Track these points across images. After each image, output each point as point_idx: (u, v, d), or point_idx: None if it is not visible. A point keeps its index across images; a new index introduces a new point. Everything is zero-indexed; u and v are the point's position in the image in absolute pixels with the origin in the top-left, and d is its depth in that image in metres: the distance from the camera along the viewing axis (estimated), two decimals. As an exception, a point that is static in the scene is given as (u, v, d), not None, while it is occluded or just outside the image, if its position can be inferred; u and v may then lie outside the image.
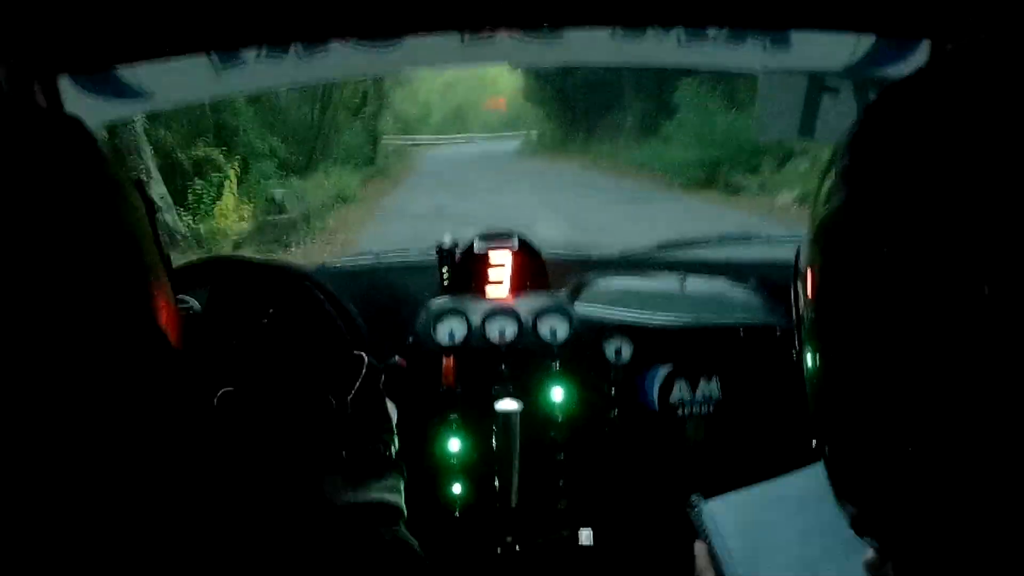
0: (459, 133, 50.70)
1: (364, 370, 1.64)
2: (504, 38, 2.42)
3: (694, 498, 1.55)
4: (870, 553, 0.98)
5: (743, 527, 1.49)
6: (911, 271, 0.66)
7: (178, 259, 1.51)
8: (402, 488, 1.55)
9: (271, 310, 2.01)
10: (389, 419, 1.68)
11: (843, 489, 0.82)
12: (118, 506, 0.85)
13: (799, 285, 0.85)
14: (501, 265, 2.32)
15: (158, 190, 13.16)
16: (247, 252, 12.99)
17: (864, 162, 0.74)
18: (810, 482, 1.49)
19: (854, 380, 0.75)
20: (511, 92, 48.16)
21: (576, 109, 32.67)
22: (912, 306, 0.66)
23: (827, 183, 0.78)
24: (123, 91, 2.12)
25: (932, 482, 0.69)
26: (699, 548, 1.49)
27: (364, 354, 1.68)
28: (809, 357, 0.84)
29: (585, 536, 2.00)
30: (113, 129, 12.05)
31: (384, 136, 33.09)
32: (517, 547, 2.01)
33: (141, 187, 1.02)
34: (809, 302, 0.81)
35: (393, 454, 1.62)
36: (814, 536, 1.42)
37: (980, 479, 0.66)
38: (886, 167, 0.71)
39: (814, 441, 0.88)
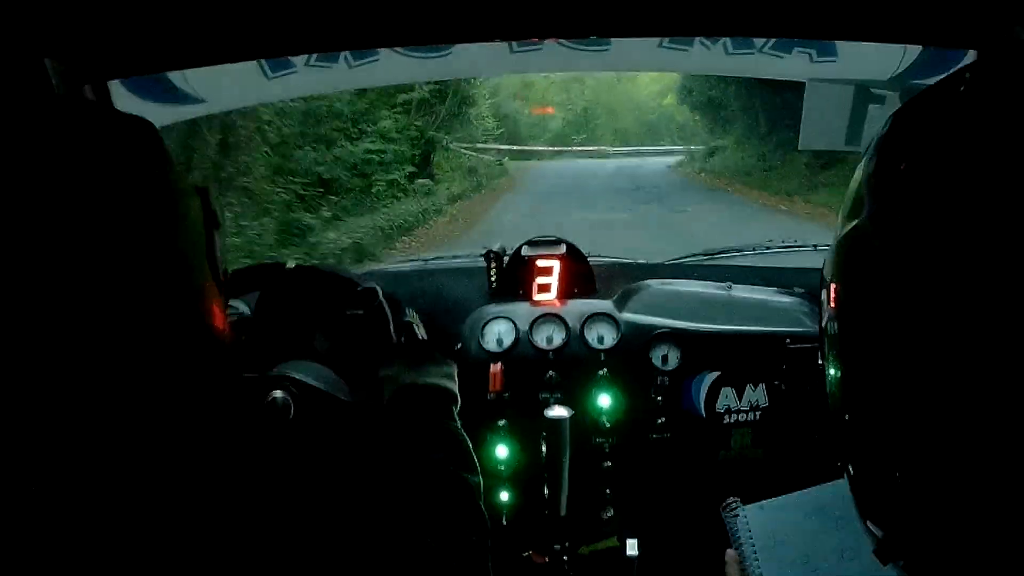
0: (584, 144, 39.55)
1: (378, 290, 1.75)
2: (553, 46, 2.44)
3: (732, 501, 1.53)
4: None
5: (779, 539, 1.47)
6: (939, 285, 0.65)
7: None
8: (456, 375, 1.62)
9: (320, 318, 2.04)
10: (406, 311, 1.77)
11: (869, 510, 0.81)
12: (166, 495, 0.89)
13: (823, 296, 0.84)
14: (549, 271, 2.34)
15: None
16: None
17: (888, 170, 0.73)
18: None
19: (880, 398, 0.73)
20: (654, 91, 39.77)
21: (776, 119, 20.16)
22: (941, 321, 0.65)
23: (851, 193, 0.78)
24: (174, 95, 2.16)
25: (964, 507, 0.68)
26: (730, 556, 1.48)
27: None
28: (832, 371, 0.82)
29: (631, 546, 2.00)
30: None
31: (475, 143, 25.19)
32: (565, 557, 2.01)
33: (205, 195, 1.04)
34: (832, 314, 0.80)
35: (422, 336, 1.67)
36: (852, 555, 1.40)
37: (1015, 506, 0.65)
38: (912, 176, 0.70)
39: (839, 460, 0.87)
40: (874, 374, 0.73)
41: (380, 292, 1.74)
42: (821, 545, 1.44)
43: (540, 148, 37.00)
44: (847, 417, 0.80)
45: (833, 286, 0.80)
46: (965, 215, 0.64)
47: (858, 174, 0.78)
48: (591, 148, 38.25)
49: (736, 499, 1.54)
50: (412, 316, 1.72)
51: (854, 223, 0.76)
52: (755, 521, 1.50)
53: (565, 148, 37.95)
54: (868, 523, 0.81)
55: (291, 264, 1.84)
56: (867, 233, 0.73)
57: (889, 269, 0.70)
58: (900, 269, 0.68)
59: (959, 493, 0.68)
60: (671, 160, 30.95)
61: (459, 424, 1.56)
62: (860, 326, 0.74)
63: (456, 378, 1.65)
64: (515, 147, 32.57)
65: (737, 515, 1.51)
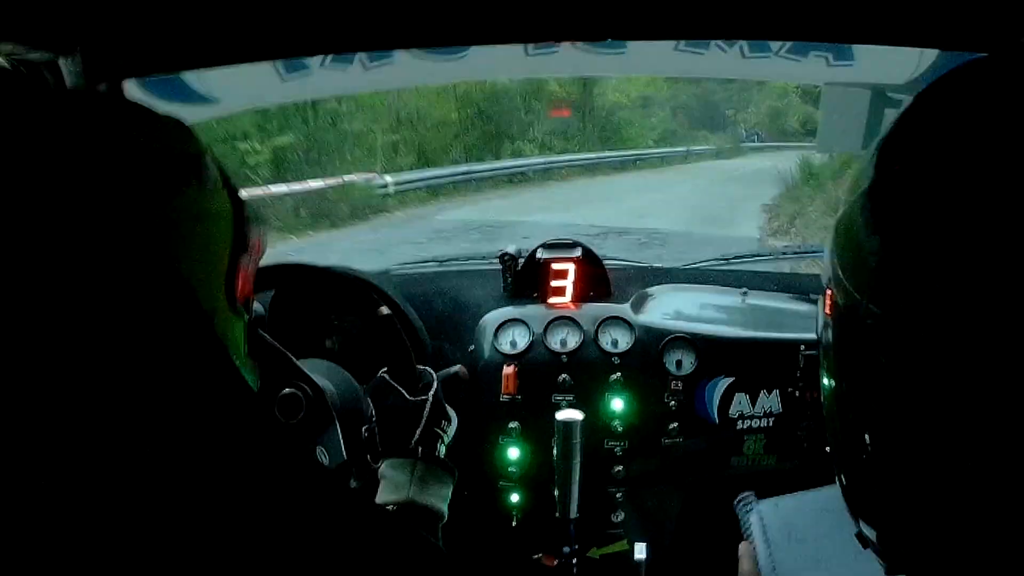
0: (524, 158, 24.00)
1: (435, 384, 1.68)
2: (568, 49, 2.44)
3: (747, 495, 1.52)
4: None
5: (794, 536, 1.46)
6: (935, 298, 0.64)
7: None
8: (450, 494, 1.62)
9: (334, 318, 2.04)
10: (449, 419, 1.72)
11: (863, 512, 0.81)
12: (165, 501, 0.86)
13: (819, 300, 0.83)
14: (564, 274, 2.33)
15: None
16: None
17: (890, 175, 0.71)
18: None
19: (870, 403, 0.73)
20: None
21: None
22: (932, 334, 0.64)
23: (853, 199, 0.76)
24: (189, 96, 2.16)
25: (956, 512, 0.68)
26: (744, 550, 1.47)
27: (430, 370, 1.73)
28: (826, 379, 0.82)
29: (639, 551, 2.00)
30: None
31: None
32: (575, 560, 2.01)
33: (241, 216, 1.02)
34: (827, 320, 0.79)
35: (443, 454, 1.66)
36: (868, 557, 1.39)
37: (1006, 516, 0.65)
38: (907, 177, 0.68)
39: (835, 467, 0.86)
40: (867, 380, 0.72)
41: (436, 389, 1.71)
42: (836, 545, 1.42)
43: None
44: (846, 425, 0.80)
45: (828, 292, 0.79)
46: (965, 218, 0.63)
47: (858, 174, 0.77)
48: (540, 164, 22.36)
49: (750, 493, 1.53)
50: (445, 427, 1.71)
51: (851, 239, 0.75)
52: (769, 517, 1.49)
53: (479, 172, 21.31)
54: (861, 523, 0.82)
55: (384, 311, 1.82)
56: (862, 240, 0.72)
57: (882, 277, 0.69)
58: (894, 277, 0.67)
59: (957, 496, 0.68)
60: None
61: (441, 542, 1.58)
62: (856, 328, 0.72)
63: (450, 495, 1.65)
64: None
65: (751, 510, 1.50)
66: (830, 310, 0.78)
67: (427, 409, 1.66)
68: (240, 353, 1.07)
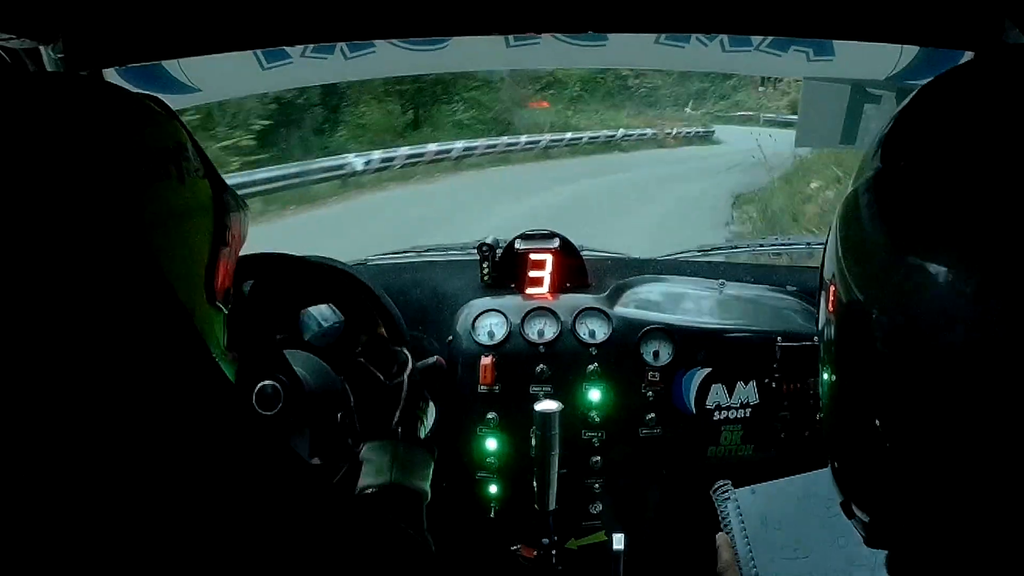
0: None
1: (410, 364, 1.69)
2: (550, 41, 2.44)
3: (723, 484, 1.53)
4: None
5: (771, 523, 1.47)
6: (941, 288, 0.65)
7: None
8: (431, 474, 1.64)
9: (309, 307, 2.04)
10: (427, 400, 1.72)
11: (857, 498, 0.81)
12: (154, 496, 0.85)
13: (821, 296, 0.83)
14: (542, 264, 2.33)
15: None
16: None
17: (896, 171, 0.71)
18: None
19: (874, 398, 0.73)
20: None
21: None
22: (939, 325, 0.65)
23: (857, 193, 0.76)
24: (169, 85, 2.15)
25: (947, 496, 0.69)
26: (721, 539, 1.48)
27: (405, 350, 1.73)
28: (827, 370, 0.81)
29: (617, 541, 2.01)
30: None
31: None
32: (554, 551, 2.02)
33: (221, 208, 1.01)
34: (829, 316, 0.79)
35: (424, 435, 1.67)
36: (844, 543, 1.41)
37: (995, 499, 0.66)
38: (922, 176, 0.69)
39: (827, 452, 0.86)
40: (869, 373, 0.72)
41: (412, 369, 1.73)
42: (813, 531, 1.44)
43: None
44: (845, 413, 0.80)
45: (832, 288, 0.78)
46: (972, 212, 0.64)
47: (860, 172, 0.77)
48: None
49: (727, 482, 1.54)
50: (424, 408, 1.72)
51: (856, 231, 0.75)
52: (746, 505, 1.50)
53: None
54: (855, 508, 0.81)
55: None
56: (870, 234, 0.73)
57: (887, 268, 0.69)
58: (897, 269, 0.68)
59: (951, 487, 0.69)
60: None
61: (426, 527, 1.59)
62: (863, 325, 0.73)
63: (431, 475, 1.67)
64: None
65: (728, 498, 1.51)
66: (833, 307, 0.78)
67: (404, 390, 1.67)
68: (219, 347, 1.07)
